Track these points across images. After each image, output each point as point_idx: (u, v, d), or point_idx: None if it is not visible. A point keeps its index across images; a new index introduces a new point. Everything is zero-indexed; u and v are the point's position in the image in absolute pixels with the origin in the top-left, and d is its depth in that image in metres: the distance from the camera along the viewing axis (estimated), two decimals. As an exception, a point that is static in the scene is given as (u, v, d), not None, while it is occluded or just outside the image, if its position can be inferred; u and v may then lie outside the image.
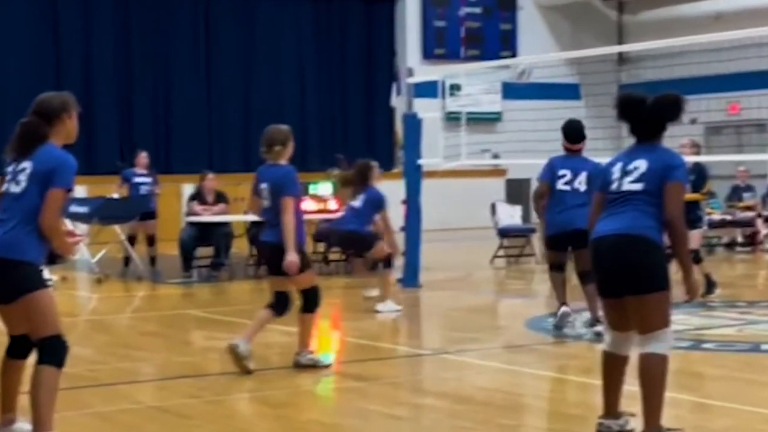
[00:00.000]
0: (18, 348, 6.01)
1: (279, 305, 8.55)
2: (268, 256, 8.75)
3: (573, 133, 10.21)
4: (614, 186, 6.08)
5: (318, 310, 8.70)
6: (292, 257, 8.30)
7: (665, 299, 5.92)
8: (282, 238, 8.36)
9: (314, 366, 8.55)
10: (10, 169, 5.84)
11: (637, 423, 6.00)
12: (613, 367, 6.08)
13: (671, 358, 5.97)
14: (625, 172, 6.05)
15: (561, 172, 9.99)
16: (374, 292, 12.40)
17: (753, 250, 19.17)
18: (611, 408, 6.07)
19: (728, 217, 19.20)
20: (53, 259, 6.03)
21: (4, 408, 6.16)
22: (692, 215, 12.64)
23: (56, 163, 5.75)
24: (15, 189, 5.76)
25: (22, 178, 5.74)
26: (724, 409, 7.09)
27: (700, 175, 12.67)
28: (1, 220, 5.77)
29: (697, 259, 12.27)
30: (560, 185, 10.05)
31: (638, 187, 5.97)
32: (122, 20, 24.25)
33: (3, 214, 5.77)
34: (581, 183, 9.71)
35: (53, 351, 5.68)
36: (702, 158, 13.93)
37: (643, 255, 5.88)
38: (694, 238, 12.38)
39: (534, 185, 11.73)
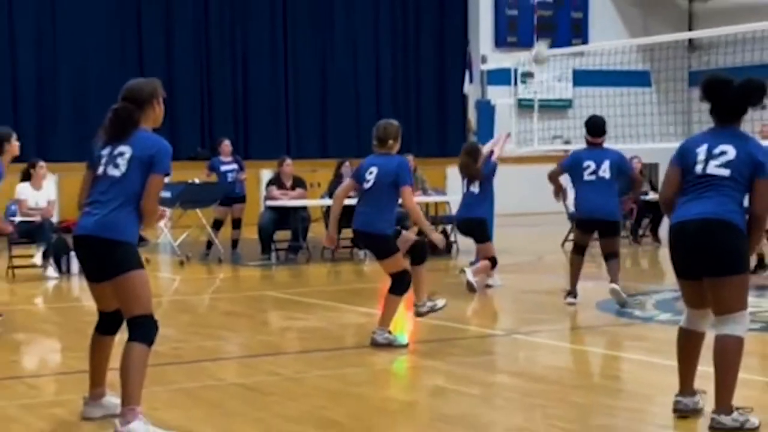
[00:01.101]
0: (108, 325, 6.16)
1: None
2: (365, 243, 8.81)
3: (595, 128, 10.96)
4: (699, 168, 6.01)
5: (405, 295, 8.78)
6: (435, 236, 8.63)
7: (744, 282, 5.93)
8: (371, 225, 8.56)
9: (390, 345, 8.62)
10: (105, 152, 5.92)
11: (707, 401, 5.99)
12: (689, 344, 6.09)
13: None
14: (711, 155, 5.99)
15: (586, 163, 10.75)
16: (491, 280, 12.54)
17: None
18: (687, 385, 6.06)
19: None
20: (137, 241, 6.12)
21: (93, 382, 6.32)
22: None
23: (156, 150, 5.86)
24: (114, 172, 5.85)
25: (121, 162, 5.83)
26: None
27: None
28: (99, 201, 5.86)
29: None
30: (587, 176, 10.77)
31: (725, 173, 5.93)
32: (202, 10, 24.44)
33: (102, 196, 5.85)
34: (605, 171, 10.48)
35: (145, 329, 5.77)
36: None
37: (727, 239, 5.86)
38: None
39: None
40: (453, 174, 23.27)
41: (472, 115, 21.36)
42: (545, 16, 26.70)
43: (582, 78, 25.60)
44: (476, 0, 26.53)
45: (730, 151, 5.95)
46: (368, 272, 14.74)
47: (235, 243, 16.67)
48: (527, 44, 25.95)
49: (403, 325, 9.90)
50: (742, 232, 5.90)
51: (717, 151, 5.98)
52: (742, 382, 6.48)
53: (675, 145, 7.13)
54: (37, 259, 14.39)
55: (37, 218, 14.40)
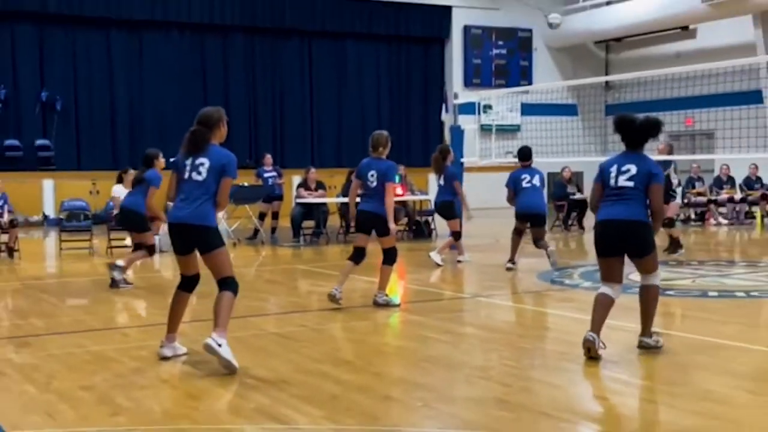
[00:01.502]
0: (188, 284, 6.37)
1: (357, 257, 8.67)
2: (363, 220, 8.69)
3: (523, 155, 11.87)
4: (612, 182, 6.28)
5: (395, 265, 8.77)
6: (392, 225, 8.50)
7: (655, 255, 6.39)
8: (378, 209, 8.45)
9: (387, 304, 8.63)
10: (188, 162, 6.13)
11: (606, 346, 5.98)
12: (603, 304, 6.34)
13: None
14: (620, 172, 6.26)
15: (522, 176, 11.60)
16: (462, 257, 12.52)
17: (703, 224, 18.97)
18: (596, 329, 6.24)
19: (685, 200, 19.05)
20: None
21: (170, 329, 6.47)
22: (668, 193, 12.92)
23: (227, 160, 6.10)
24: (198, 177, 6.07)
25: (203, 170, 6.05)
26: (682, 337, 7.06)
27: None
28: (189, 198, 6.09)
29: (672, 224, 12.61)
30: (524, 185, 11.53)
31: (631, 184, 6.21)
32: (251, 56, 24.39)
33: (190, 194, 6.08)
34: (536, 182, 11.54)
35: (232, 284, 6.09)
36: (669, 157, 13.82)
37: (642, 233, 6.26)
38: (672, 208, 13.06)
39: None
40: (433, 179, 23.39)
41: (447, 136, 21.35)
42: (501, 64, 26.66)
43: (527, 109, 25.61)
44: (450, 52, 26.45)
45: (633, 169, 6.23)
46: (370, 251, 14.72)
47: (273, 230, 16.70)
48: (488, 85, 26.03)
49: (397, 290, 9.91)
50: (649, 225, 6.26)
51: (624, 168, 6.27)
52: (638, 330, 6.47)
53: (594, 158, 7.23)
54: (128, 241, 14.39)
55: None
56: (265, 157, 17.08)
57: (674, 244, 12.71)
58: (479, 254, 13.78)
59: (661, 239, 10.63)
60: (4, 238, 13.96)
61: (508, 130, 24.91)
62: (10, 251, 13.86)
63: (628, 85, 25.82)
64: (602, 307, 6.28)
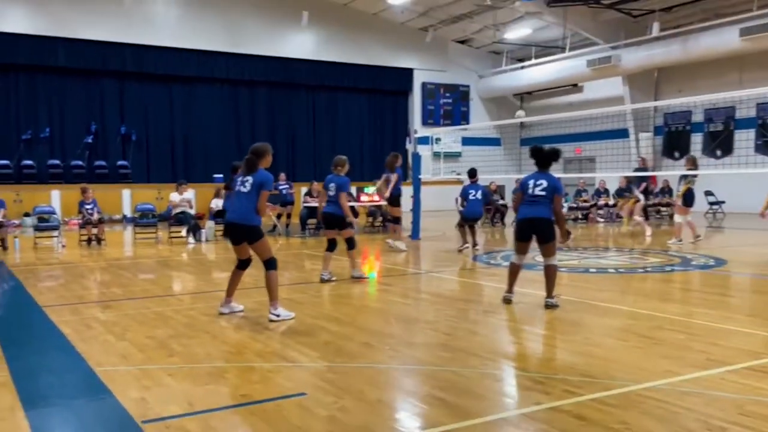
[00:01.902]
0: (242, 264, 6.43)
1: (331, 247, 8.77)
2: (328, 220, 8.79)
3: (472, 174, 11.86)
4: (530, 191, 6.62)
5: (355, 250, 8.84)
6: (350, 219, 8.71)
7: (555, 243, 6.64)
8: (337, 211, 8.62)
9: (360, 278, 8.64)
10: (239, 179, 6.19)
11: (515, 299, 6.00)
12: (515, 270, 6.80)
13: (542, 275, 5.99)
14: (535, 185, 6.60)
15: (470, 191, 11.76)
16: (399, 245, 12.11)
17: (587, 222, 19.06)
18: (511, 287, 6.80)
19: (575, 205, 19.14)
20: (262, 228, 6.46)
21: (228, 294, 6.55)
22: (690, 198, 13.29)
23: (264, 179, 6.13)
24: (244, 190, 6.11)
25: (248, 185, 6.10)
26: (572, 301, 7.07)
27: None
28: (238, 206, 6.07)
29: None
30: (470, 197, 11.75)
31: (543, 193, 6.55)
32: (270, 103, 24.12)
33: (244, 203, 6.06)
34: (479, 195, 11.38)
35: (273, 263, 6.15)
36: (562, 175, 14.03)
37: (548, 227, 6.56)
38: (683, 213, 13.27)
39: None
40: (403, 190, 23.34)
41: (410, 159, 21.35)
42: (448, 110, 26.60)
43: (466, 141, 25.68)
44: (412, 101, 26.32)
45: (544, 183, 6.55)
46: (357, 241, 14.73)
47: (287, 225, 16.58)
48: (438, 124, 26.02)
49: (372, 268, 9.88)
50: (553, 222, 6.56)
51: (538, 183, 6.59)
52: (540, 297, 6.49)
53: (512, 176, 7.35)
54: (184, 233, 14.30)
55: (182, 211, 14.33)
56: (280, 175, 16.98)
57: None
58: (432, 243, 13.78)
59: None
60: (95, 231, 13.81)
61: (452, 156, 24.95)
62: (99, 240, 13.73)
63: (536, 125, 26.01)
64: (514, 272, 6.79)
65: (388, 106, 26.55)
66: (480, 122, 26.12)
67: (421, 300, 7.50)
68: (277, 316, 5.98)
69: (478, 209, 11.87)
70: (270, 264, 6.14)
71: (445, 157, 21.77)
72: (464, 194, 11.93)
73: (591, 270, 9.39)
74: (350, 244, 8.76)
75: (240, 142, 23.53)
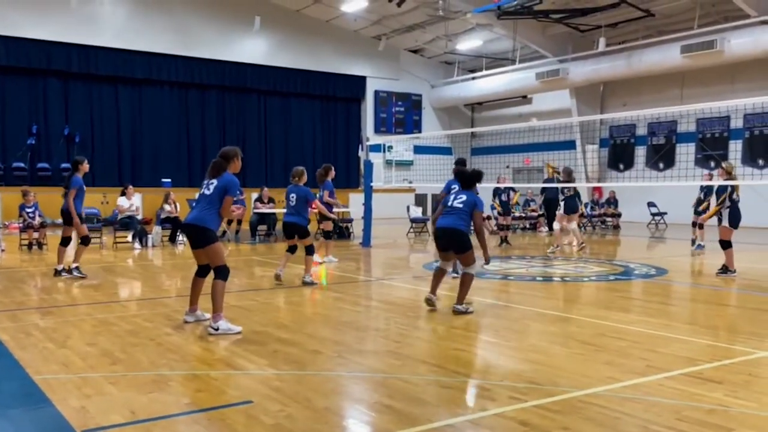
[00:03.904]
0: (202, 271, 6.33)
1: (291, 251, 8.91)
2: (288, 230, 8.93)
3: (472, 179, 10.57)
4: (449, 203, 6.93)
5: (314, 256, 8.94)
6: (330, 216, 9.29)
7: (472, 253, 6.78)
8: (296, 220, 8.76)
9: (311, 284, 8.68)
10: (205, 182, 6.15)
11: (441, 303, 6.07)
12: (439, 274, 7.04)
13: (493, 284, 6.07)
14: (455, 198, 6.91)
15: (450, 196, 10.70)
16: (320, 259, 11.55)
17: (534, 232, 19.42)
18: (433, 290, 6.95)
19: (523, 215, 19.46)
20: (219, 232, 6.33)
21: (191, 302, 6.45)
22: (507, 208, 13.98)
23: (230, 183, 6.06)
24: (207, 192, 6.06)
25: (212, 188, 6.04)
26: (519, 309, 7.21)
27: (513, 190, 15.36)
28: (197, 207, 6.09)
29: (510, 228, 13.77)
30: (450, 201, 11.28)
31: (461, 206, 6.83)
32: (222, 107, 23.82)
33: (204, 205, 6.05)
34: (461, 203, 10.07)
35: (223, 272, 6.02)
36: (510, 184, 14.40)
37: (461, 237, 6.76)
38: (509, 219, 14.32)
39: (429, 199, 12.19)
40: (353, 197, 23.35)
41: (362, 167, 21.38)
42: (400, 118, 26.77)
43: (418, 149, 25.81)
44: (365, 108, 26.40)
45: (465, 198, 6.87)
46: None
47: (237, 231, 16.39)
48: (390, 132, 26.15)
49: (324, 275, 9.85)
50: (466, 234, 6.76)
51: (458, 196, 6.92)
52: (489, 305, 6.57)
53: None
54: (129, 238, 14.00)
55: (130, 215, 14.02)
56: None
57: (504, 240, 13.70)
58: (383, 250, 13.82)
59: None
60: (36, 235, 13.39)
61: (404, 164, 25.09)
62: (40, 245, 13.33)
63: (486, 135, 26.41)
64: (437, 275, 7.03)
65: (340, 112, 26.56)
66: (432, 131, 26.37)
67: (372, 307, 7.52)
68: (216, 329, 5.82)
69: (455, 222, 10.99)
70: (219, 272, 6.02)
71: (397, 165, 21.89)
72: (444, 203, 11.26)
73: (538, 279, 9.56)
74: (309, 250, 8.87)
75: (190, 146, 23.20)
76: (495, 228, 18.25)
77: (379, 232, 16.64)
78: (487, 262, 6.88)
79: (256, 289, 8.54)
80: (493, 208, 17.91)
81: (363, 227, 14.58)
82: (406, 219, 18.03)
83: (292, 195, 8.80)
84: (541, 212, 19.71)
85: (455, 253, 6.75)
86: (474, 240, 6.94)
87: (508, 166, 24.12)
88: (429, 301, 6.84)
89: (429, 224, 16.56)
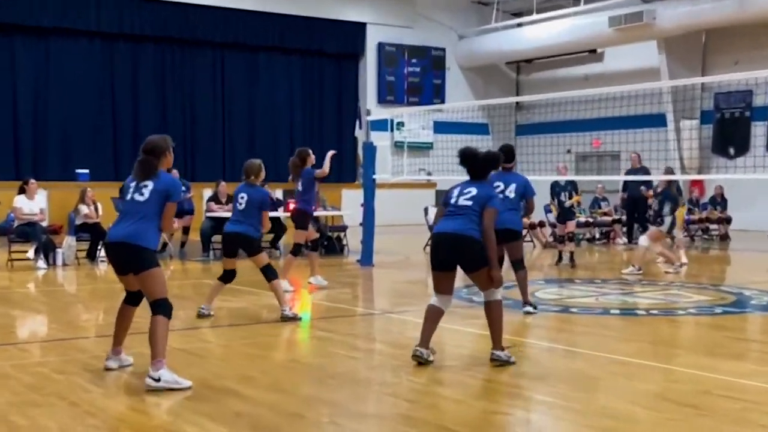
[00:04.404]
0: (133, 299, 6.43)
1: (227, 277, 9.04)
2: (229, 241, 9.09)
3: (507, 154, 9.48)
4: (453, 200, 6.73)
5: (277, 278, 8.96)
6: (267, 224, 9.33)
7: (487, 271, 6.56)
8: (245, 230, 8.92)
9: (293, 318, 8.74)
10: (132, 185, 6.21)
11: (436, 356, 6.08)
12: (434, 316, 6.75)
13: (548, 319, 6.08)
14: (461, 194, 6.71)
15: (495, 183, 9.14)
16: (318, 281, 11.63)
17: (607, 243, 19.44)
18: (426, 341, 6.70)
19: (591, 220, 19.49)
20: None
21: (116, 341, 6.52)
22: (570, 212, 13.90)
23: (172, 186, 6.22)
24: (139, 198, 6.13)
25: (146, 192, 6.12)
26: (583, 354, 7.23)
27: (573, 186, 14.70)
28: (127, 218, 6.15)
29: (573, 239, 13.44)
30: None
31: (469, 203, 6.63)
32: (161, 67, 23.95)
33: (129, 214, 6.14)
34: (511, 192, 9.25)
35: (165, 307, 6.07)
36: (570, 177, 14.41)
37: (474, 246, 6.53)
38: (572, 225, 14.64)
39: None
40: (347, 195, 23.39)
41: (360, 152, 21.40)
42: (414, 82, 26.86)
43: (440, 127, 25.83)
44: (364, 69, 26.51)
45: (475, 191, 6.66)
46: (281, 267, 14.68)
47: (183, 244, 16.52)
48: (401, 102, 26.21)
49: (307, 306, 9.87)
50: (480, 242, 6.54)
51: (465, 191, 6.71)
52: (551, 349, 6.59)
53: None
54: (30, 254, 14.07)
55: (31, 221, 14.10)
56: (172, 171, 16.75)
57: (571, 259, 13.69)
58: (390, 271, 13.86)
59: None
60: None
61: (420, 148, 25.13)
62: None
63: (538, 106, 26.39)
64: (433, 319, 6.75)
65: (329, 75, 26.63)
66: (460, 101, 26.39)
67: (375, 352, 7.51)
68: (157, 380, 5.84)
69: (511, 219, 9.79)
70: (161, 307, 6.04)
71: (411, 149, 21.87)
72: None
73: (613, 311, 9.57)
74: (269, 273, 8.90)
75: (117, 123, 23.26)
76: (550, 239, 18.30)
77: (385, 244, 16.66)
78: (498, 283, 6.68)
79: (211, 326, 8.56)
80: (548, 211, 17.93)
81: (362, 238, 14.62)
82: (423, 226, 18.04)
83: (242, 196, 9.03)
84: (617, 216, 19.70)
85: (467, 271, 6.69)
86: None
87: (569, 151, 24.12)
88: (419, 357, 6.60)
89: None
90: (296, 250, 11.22)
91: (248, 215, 8.98)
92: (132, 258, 6.08)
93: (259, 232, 9.15)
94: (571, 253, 14.30)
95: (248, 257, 9.01)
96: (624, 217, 19.36)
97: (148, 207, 6.11)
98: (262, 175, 9.21)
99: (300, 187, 11.49)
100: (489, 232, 6.55)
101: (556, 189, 14.75)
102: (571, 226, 14.73)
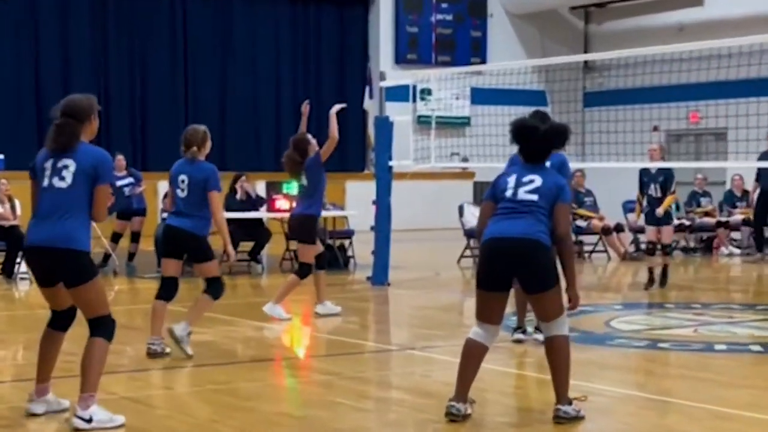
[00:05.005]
0: (61, 321, 6.42)
1: (167, 291, 9.12)
2: (170, 239, 9.09)
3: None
4: (509, 193, 6.57)
5: (220, 298, 9.06)
6: (230, 248, 9.14)
7: (559, 292, 6.47)
8: (189, 226, 8.83)
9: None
10: (48, 164, 6.19)
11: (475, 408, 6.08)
12: (477, 355, 6.63)
13: (629, 357, 6.08)
14: (519, 183, 6.56)
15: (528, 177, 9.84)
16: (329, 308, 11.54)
17: (710, 254, 19.33)
18: (464, 392, 6.52)
19: (687, 222, 19.36)
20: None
21: (40, 378, 6.51)
22: (665, 214, 13.62)
23: (99, 162, 6.22)
24: (61, 184, 6.13)
25: (68, 175, 6.11)
26: (676, 405, 7.19)
27: (667, 177, 13.97)
28: (50, 213, 6.14)
29: (668, 252, 13.59)
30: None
31: (534, 197, 6.50)
32: (101, 16, 24.15)
33: (51, 208, 6.12)
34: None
35: (106, 327, 6.16)
36: (663, 164, 14.17)
37: (541, 256, 6.40)
38: (667, 232, 14.04)
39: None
40: (352, 189, 23.36)
41: (371, 130, 21.41)
42: (444, 34, 26.87)
43: (480, 96, 25.79)
44: (376, 17, 26.59)
45: (537, 180, 6.54)
46: (265, 286, 14.71)
47: (131, 256, 16.48)
48: (427, 62, 26.16)
49: (299, 341, 9.87)
50: (550, 251, 6.45)
51: (526, 180, 6.57)
52: (626, 397, 6.60)
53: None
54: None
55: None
56: (117, 158, 16.77)
57: (662, 276, 13.48)
58: (413, 292, 13.84)
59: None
60: None
61: (453, 124, 25.11)
62: None
63: (614, 67, 26.26)
64: (474, 359, 6.64)
65: (329, 27, 26.66)
66: (507, 60, 26.31)
67: (391, 402, 7.50)
68: (88, 420, 5.92)
69: None
70: (101, 326, 6.14)
71: (440, 126, 21.82)
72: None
73: (717, 347, 9.53)
74: (216, 289, 8.93)
75: (40, 94, 23.33)
76: (631, 249, 18.19)
77: (405, 256, 16.67)
78: (574, 306, 6.68)
79: (168, 367, 8.55)
80: (630, 209, 17.81)
81: (374, 247, 14.60)
82: (456, 230, 18.02)
83: (182, 179, 8.89)
84: (722, 217, 19.53)
85: (530, 291, 6.61)
86: None
87: (655, 128, 24.02)
88: (455, 416, 6.52)
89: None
90: (304, 271, 11.15)
91: (193, 204, 8.83)
92: (62, 266, 6.10)
93: (206, 227, 8.96)
94: (664, 268, 14.03)
95: (193, 265, 9.07)
96: (751, 217, 18.82)
97: (74, 195, 6.12)
98: (208, 145, 9.05)
99: (305, 182, 11.45)
100: (566, 237, 6.55)
101: (644, 179, 14.37)
102: (667, 233, 14.22)
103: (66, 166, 6.15)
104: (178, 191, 8.91)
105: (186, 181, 8.82)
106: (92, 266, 6.24)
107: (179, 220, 8.91)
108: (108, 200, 6.29)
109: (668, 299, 12.82)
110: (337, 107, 12.28)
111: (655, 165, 14.17)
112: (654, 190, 14.06)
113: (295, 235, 11.69)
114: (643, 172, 14.32)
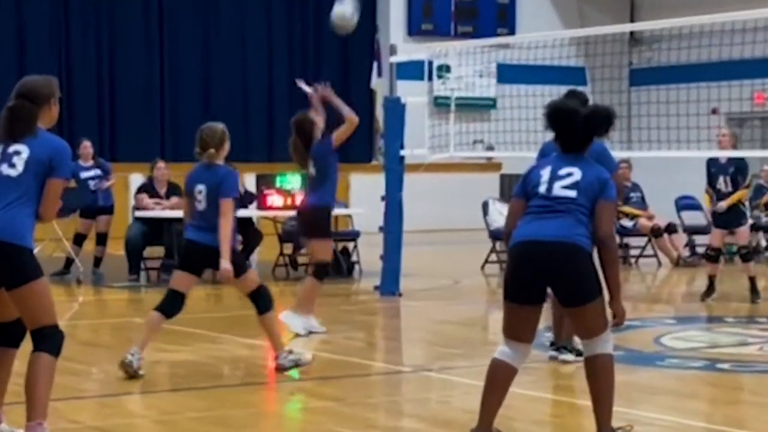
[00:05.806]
0: (9, 335, 6.35)
1: (170, 305, 9.03)
2: (189, 253, 9.16)
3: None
4: (543, 188, 6.53)
5: (272, 310, 8.99)
6: (225, 263, 8.72)
7: (602, 304, 6.40)
8: (211, 240, 8.81)
9: (295, 365, 8.87)
10: None
11: None
12: (504, 377, 6.58)
13: (684, 380, 6.09)
14: (554, 177, 6.53)
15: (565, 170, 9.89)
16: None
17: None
18: (489, 420, 6.50)
19: (751, 222, 19.27)
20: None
21: None
22: (738, 212, 13.42)
23: (56, 152, 6.23)
24: (10, 171, 6.14)
25: (19, 162, 6.14)
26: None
27: (738, 168, 13.93)
28: (9, 207, 6.10)
29: (747, 258, 13.61)
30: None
31: (572, 193, 6.46)
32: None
33: (8, 200, 6.10)
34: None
35: (52, 340, 6.10)
36: (726, 153, 14.08)
37: (580, 262, 6.37)
38: (743, 235, 13.99)
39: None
40: (358, 183, 23.37)
41: (379, 114, 21.45)
42: (465, 1, 26.90)
43: (508, 74, 25.84)
44: (386, -20, 26.64)
45: (576, 174, 6.51)
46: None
47: (98, 261, 16.49)
48: (444, 33, 26.18)
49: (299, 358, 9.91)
50: (591, 256, 6.42)
51: (562, 173, 6.54)
52: (681, 427, 6.61)
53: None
54: None
55: None
56: (82, 145, 16.78)
57: (752, 289, 13.40)
58: (429, 304, 13.86)
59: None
60: None
61: (476, 106, 25.18)
62: None
63: (665, 39, 26.29)
64: (500, 383, 6.58)
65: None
66: (539, 30, 26.32)
67: (405, 432, 7.50)
68: None
69: None
70: (45, 339, 6.09)
71: (460, 109, 21.87)
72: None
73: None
74: (262, 301, 8.91)
75: (7, 70, 23.42)
76: (686, 253, 18.18)
77: (420, 261, 16.71)
78: (619, 322, 6.68)
79: (142, 392, 8.57)
80: (692, 206, 17.79)
81: (383, 252, 14.62)
82: (480, 231, 18.04)
83: (200, 189, 8.98)
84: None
85: (566, 306, 6.60)
86: None
87: (714, 111, 24.00)
88: None
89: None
90: (321, 271, 11.26)
91: (214, 216, 8.87)
92: (4, 264, 6.08)
93: (234, 239, 9.11)
94: (752, 280, 13.85)
95: (223, 279, 9.00)
96: None
97: (23, 185, 6.12)
98: (227, 146, 9.16)
99: (313, 171, 11.47)
100: (610, 240, 6.49)
101: (712, 170, 14.27)
102: (743, 235, 14.27)
103: (18, 152, 6.18)
104: (196, 204, 9.00)
105: (204, 192, 8.93)
106: (37, 265, 6.17)
107: (200, 233, 8.98)
108: (58, 200, 6.25)
109: (729, 312, 12.77)
110: (304, 86, 12.61)
111: (725, 154, 14.03)
112: (723, 184, 13.91)
113: (307, 230, 11.73)
114: (711, 163, 14.21)
